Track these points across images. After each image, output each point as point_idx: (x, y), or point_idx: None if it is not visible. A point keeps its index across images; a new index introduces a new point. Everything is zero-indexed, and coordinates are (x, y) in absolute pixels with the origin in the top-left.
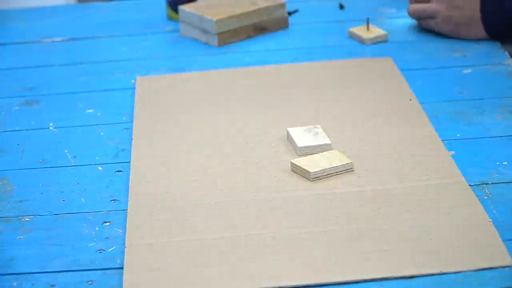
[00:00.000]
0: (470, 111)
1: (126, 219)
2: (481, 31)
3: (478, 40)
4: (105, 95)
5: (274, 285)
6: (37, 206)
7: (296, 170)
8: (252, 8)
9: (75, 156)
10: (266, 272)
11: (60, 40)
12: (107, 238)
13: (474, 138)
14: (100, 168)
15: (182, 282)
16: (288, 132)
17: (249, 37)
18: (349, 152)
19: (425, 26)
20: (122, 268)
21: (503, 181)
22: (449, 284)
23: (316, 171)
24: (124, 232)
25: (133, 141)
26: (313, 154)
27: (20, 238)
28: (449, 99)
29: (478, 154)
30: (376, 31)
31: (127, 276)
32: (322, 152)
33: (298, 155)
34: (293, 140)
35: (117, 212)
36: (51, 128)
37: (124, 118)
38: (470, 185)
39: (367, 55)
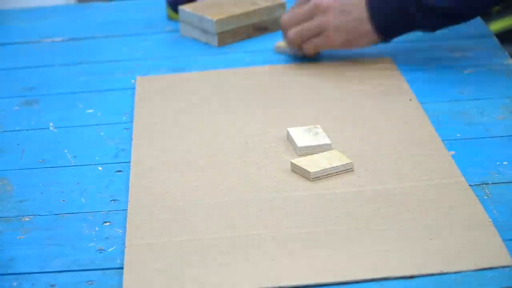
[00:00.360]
0: (470, 111)
1: (126, 219)
2: (372, 34)
3: (370, 46)
4: (105, 95)
5: (274, 285)
6: (37, 206)
7: (296, 170)
8: (252, 8)
9: (75, 156)
10: (266, 272)
11: (60, 40)
12: (107, 238)
13: (474, 138)
14: (100, 168)
15: (182, 282)
16: (288, 132)
17: (249, 37)
18: (349, 152)
19: (309, 51)
20: (122, 268)
21: (503, 181)
22: (449, 284)
23: (316, 171)
24: (124, 232)
25: (133, 141)
26: (313, 154)
27: (20, 238)
28: (449, 99)
29: (478, 154)
30: None
31: (127, 276)
32: (322, 152)
33: (298, 155)
34: (293, 140)
35: (117, 212)
36: (51, 128)
37: (124, 118)
38: (470, 185)
39: (367, 55)
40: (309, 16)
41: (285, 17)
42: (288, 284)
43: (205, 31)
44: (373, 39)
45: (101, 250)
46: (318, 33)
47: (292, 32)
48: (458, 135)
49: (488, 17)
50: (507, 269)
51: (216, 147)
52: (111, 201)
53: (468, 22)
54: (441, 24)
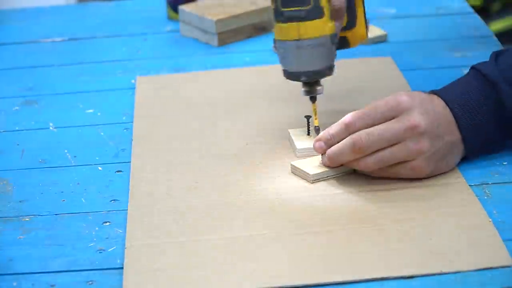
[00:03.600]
0: None
1: (126, 219)
2: (459, 155)
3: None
4: (105, 95)
5: (274, 285)
6: (37, 206)
7: (296, 172)
8: (252, 8)
9: (75, 156)
10: (266, 272)
11: (59, 40)
12: (107, 238)
13: None
14: (100, 168)
15: (182, 282)
16: (289, 133)
17: (249, 37)
18: None
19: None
20: (122, 268)
21: (503, 181)
22: (449, 284)
23: (316, 173)
24: (124, 232)
25: (133, 141)
26: (313, 156)
27: (20, 238)
28: None
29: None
30: (376, 31)
31: (127, 276)
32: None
33: (298, 157)
34: (293, 142)
35: (117, 212)
36: (51, 128)
37: (124, 118)
38: (470, 185)
39: (367, 55)
40: (397, 139)
41: (362, 140)
42: (288, 284)
43: (205, 31)
44: (456, 161)
45: (101, 250)
46: (403, 160)
47: (372, 160)
48: None
49: (488, 17)
50: (507, 269)
51: (216, 147)
52: (111, 201)
53: (468, 23)
54: None
